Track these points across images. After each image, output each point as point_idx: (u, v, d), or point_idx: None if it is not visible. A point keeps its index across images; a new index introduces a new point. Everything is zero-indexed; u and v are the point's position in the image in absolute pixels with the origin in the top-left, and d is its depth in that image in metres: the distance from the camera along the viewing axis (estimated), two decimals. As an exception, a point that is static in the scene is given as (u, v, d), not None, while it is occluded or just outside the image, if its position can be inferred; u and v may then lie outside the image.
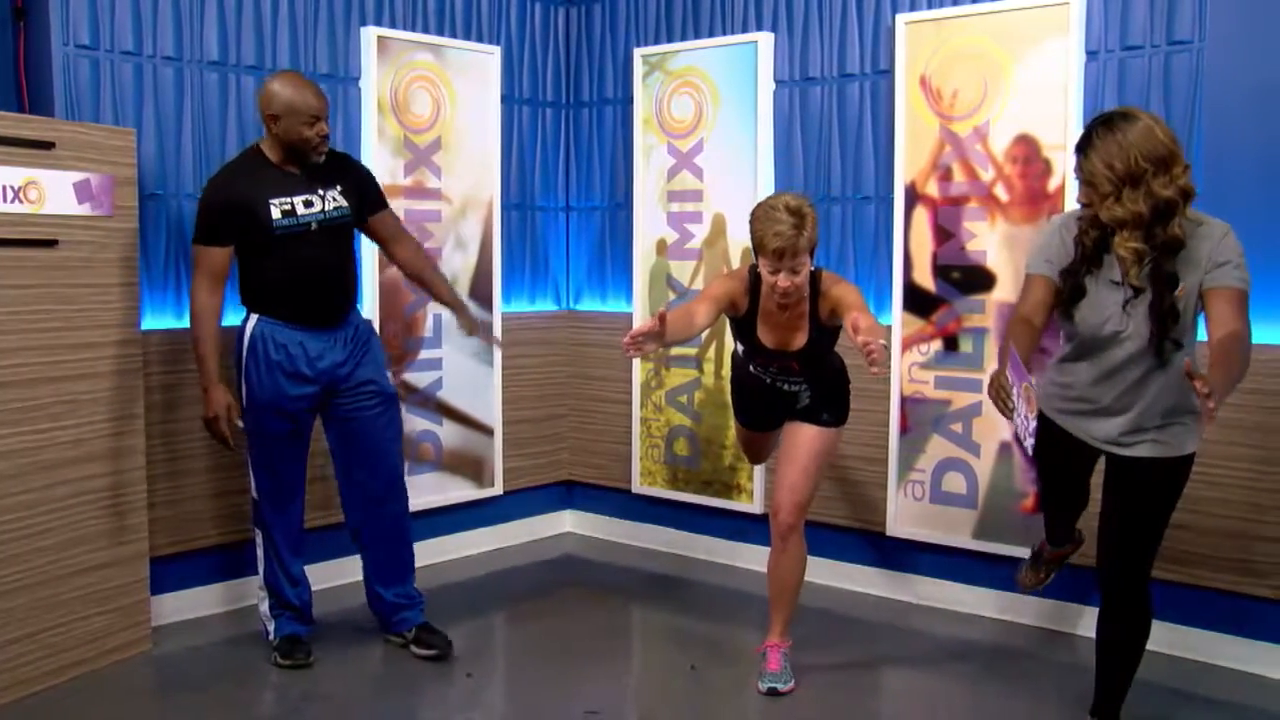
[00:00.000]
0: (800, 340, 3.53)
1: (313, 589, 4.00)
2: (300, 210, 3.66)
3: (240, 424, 3.74)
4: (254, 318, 3.73)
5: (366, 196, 3.88)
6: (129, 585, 3.84)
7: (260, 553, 3.87)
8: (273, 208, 3.62)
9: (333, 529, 4.34)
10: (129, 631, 3.85)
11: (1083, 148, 2.93)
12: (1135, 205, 2.83)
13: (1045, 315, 3.05)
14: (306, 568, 3.97)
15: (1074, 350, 3.08)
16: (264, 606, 3.89)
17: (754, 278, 3.51)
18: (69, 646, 3.66)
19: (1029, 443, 2.87)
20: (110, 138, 3.75)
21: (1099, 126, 2.91)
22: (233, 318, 3.84)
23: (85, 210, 3.64)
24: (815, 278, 3.47)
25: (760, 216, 3.37)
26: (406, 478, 4.07)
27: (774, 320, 3.53)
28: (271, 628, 3.87)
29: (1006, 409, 2.88)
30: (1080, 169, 2.94)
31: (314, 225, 3.68)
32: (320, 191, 3.71)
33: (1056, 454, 3.19)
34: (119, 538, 3.80)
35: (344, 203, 3.76)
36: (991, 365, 4.10)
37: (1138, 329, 2.93)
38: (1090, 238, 2.95)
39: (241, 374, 3.74)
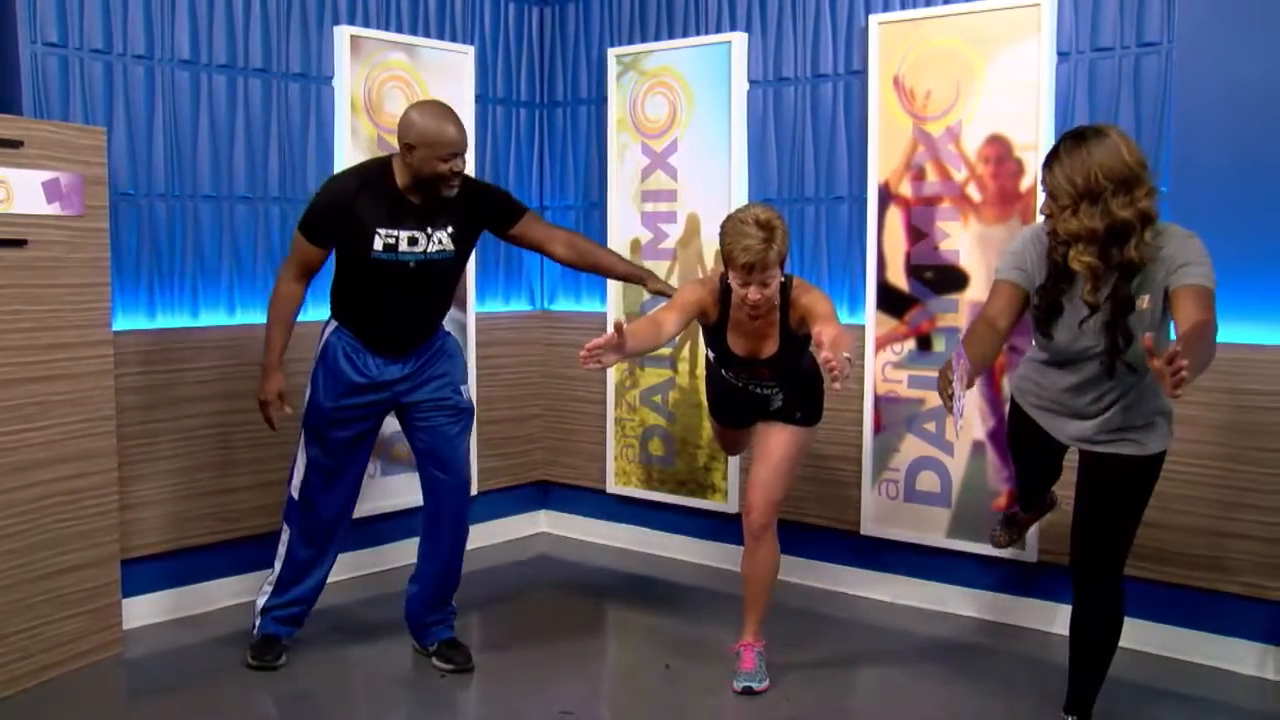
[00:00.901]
0: (770, 348, 3.53)
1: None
2: (403, 247, 3.56)
3: (289, 410, 3.73)
4: (333, 324, 3.72)
5: (498, 216, 3.78)
6: (100, 588, 3.81)
7: (283, 549, 3.82)
8: (377, 238, 3.53)
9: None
10: (100, 635, 3.82)
11: (1049, 160, 2.94)
12: (1090, 221, 2.83)
13: (1009, 321, 3.04)
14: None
15: (1050, 358, 3.10)
16: (260, 601, 3.86)
17: (724, 286, 3.50)
18: (39, 650, 3.62)
19: (959, 421, 2.87)
20: (80, 136, 3.71)
21: (1068, 140, 2.92)
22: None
23: (55, 210, 3.61)
24: (786, 286, 3.47)
25: (730, 230, 3.36)
26: (381, 478, 4.05)
27: (744, 329, 3.53)
28: (258, 623, 3.85)
29: (946, 396, 2.84)
30: (1044, 180, 2.95)
31: (412, 264, 3.59)
32: (429, 230, 3.59)
33: (1031, 440, 3.24)
34: (90, 540, 3.77)
35: (449, 246, 3.64)
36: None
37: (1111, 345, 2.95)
38: (1060, 254, 2.94)
39: (310, 377, 3.74)
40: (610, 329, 3.09)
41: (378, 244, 3.54)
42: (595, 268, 3.98)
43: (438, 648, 3.84)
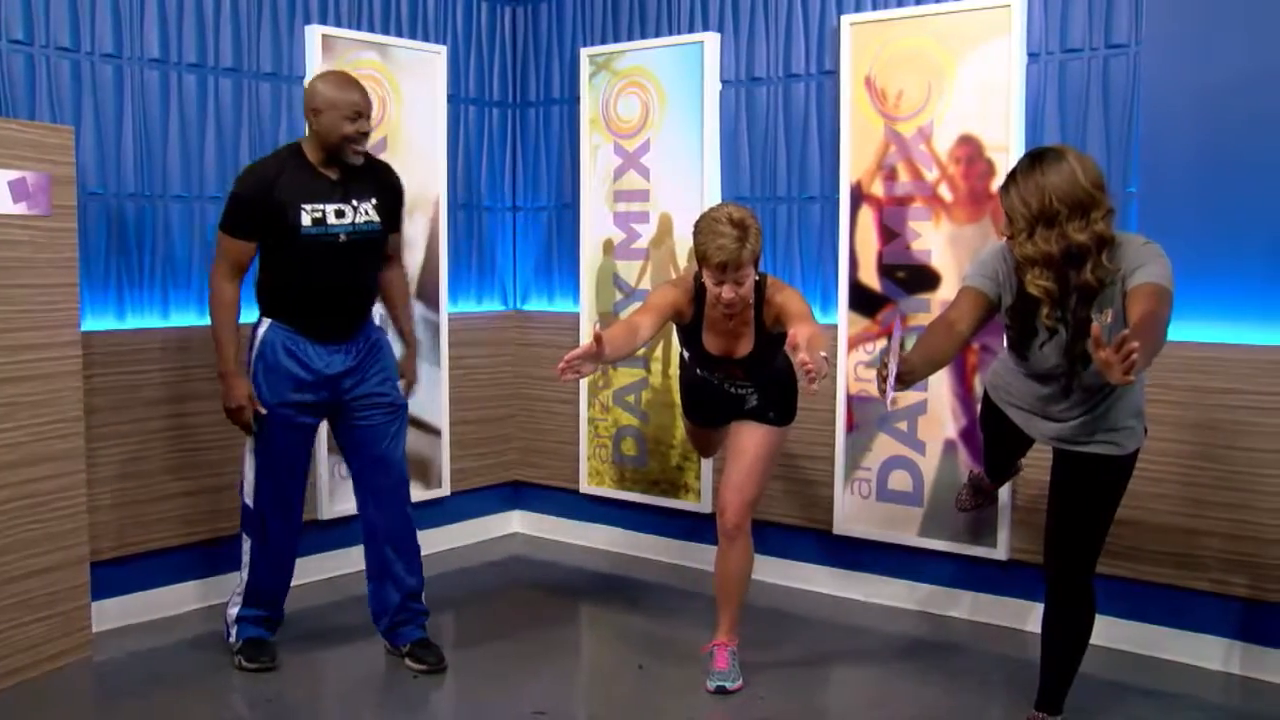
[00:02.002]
0: (745, 348, 3.54)
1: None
2: (331, 220, 3.58)
3: (263, 410, 3.66)
4: (266, 322, 3.67)
5: (392, 216, 3.80)
6: (69, 591, 3.78)
7: (247, 558, 3.78)
8: (304, 213, 3.54)
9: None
10: (69, 638, 3.78)
11: (1006, 183, 2.93)
12: (1046, 245, 2.82)
13: (970, 326, 3.03)
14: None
15: (1023, 369, 3.11)
16: (233, 610, 3.82)
17: (699, 286, 3.51)
18: (6, 654, 3.58)
19: (890, 396, 2.87)
20: (47, 135, 3.68)
21: (1024, 161, 2.91)
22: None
23: (21, 209, 3.57)
24: (760, 285, 3.47)
25: (703, 229, 3.37)
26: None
27: (719, 328, 3.54)
28: (234, 631, 3.81)
29: (881, 379, 2.83)
30: (1001, 203, 2.94)
31: (342, 237, 3.60)
32: (354, 202, 3.63)
33: (1003, 425, 3.27)
34: (59, 542, 3.73)
35: (375, 217, 3.68)
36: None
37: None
38: (1023, 275, 2.91)
39: (249, 379, 3.68)
40: (588, 335, 3.08)
41: (306, 220, 3.55)
42: (394, 306, 3.99)
43: (410, 648, 3.83)
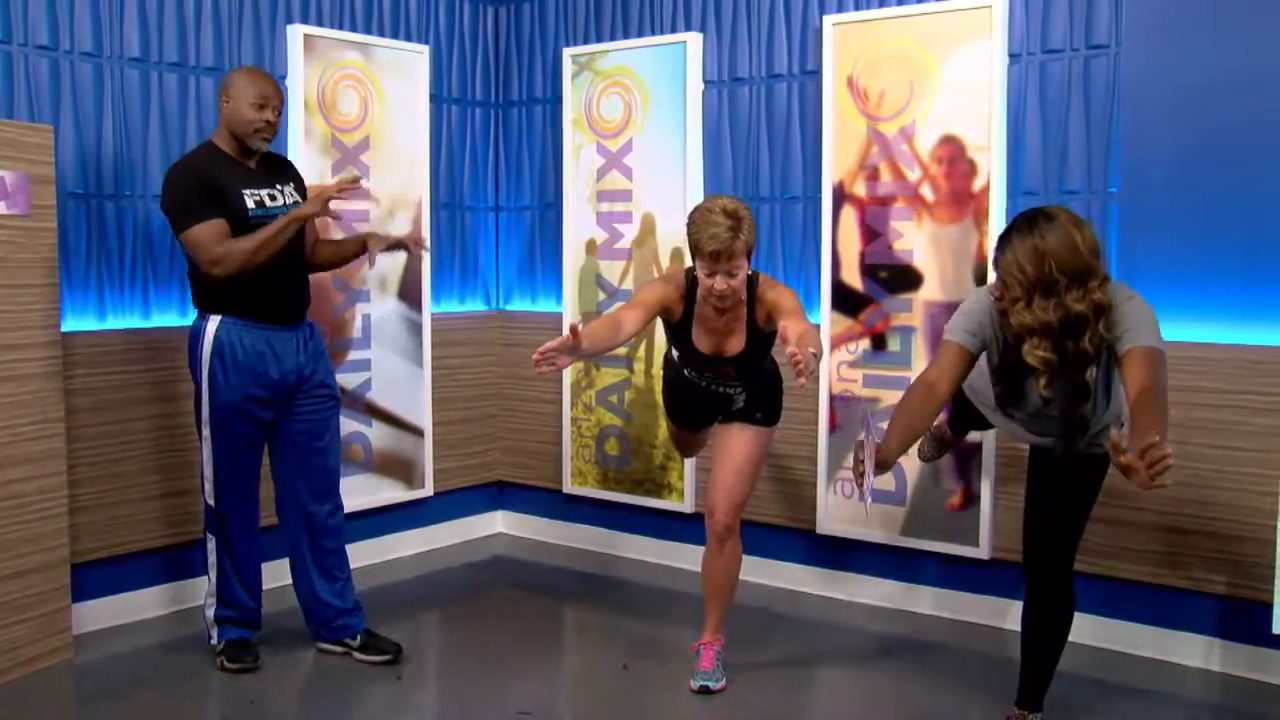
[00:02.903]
0: (737, 345, 3.53)
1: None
2: (268, 203, 3.65)
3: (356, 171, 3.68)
4: (214, 319, 3.62)
5: (301, 201, 3.86)
6: (49, 593, 3.76)
7: (213, 559, 3.77)
8: (246, 197, 3.60)
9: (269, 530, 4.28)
10: (49, 640, 3.76)
11: (1001, 243, 2.90)
12: (1045, 315, 2.79)
13: (950, 386, 3.03)
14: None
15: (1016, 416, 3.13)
16: (210, 611, 3.80)
17: (690, 283, 3.50)
18: (-14, 656, 3.58)
19: (868, 500, 2.90)
20: (26, 134, 3.66)
21: (1021, 223, 2.87)
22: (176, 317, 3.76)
23: (0, 209, 3.55)
24: (752, 282, 3.47)
25: (697, 220, 3.38)
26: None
27: (710, 325, 3.53)
28: (215, 632, 3.80)
29: (859, 475, 2.87)
30: (995, 264, 2.91)
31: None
32: (279, 187, 3.72)
33: (974, 410, 3.31)
34: (39, 544, 3.71)
35: (299, 199, 3.77)
36: (920, 363, 4.15)
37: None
38: (1012, 331, 2.90)
39: (205, 378, 3.63)
40: (565, 330, 3.07)
41: (250, 202, 3.61)
42: (339, 254, 3.96)
43: (361, 640, 3.85)
